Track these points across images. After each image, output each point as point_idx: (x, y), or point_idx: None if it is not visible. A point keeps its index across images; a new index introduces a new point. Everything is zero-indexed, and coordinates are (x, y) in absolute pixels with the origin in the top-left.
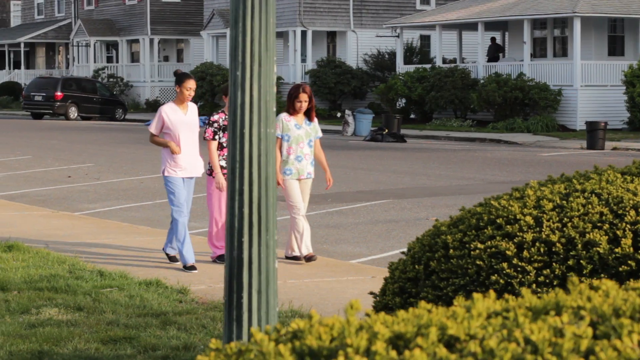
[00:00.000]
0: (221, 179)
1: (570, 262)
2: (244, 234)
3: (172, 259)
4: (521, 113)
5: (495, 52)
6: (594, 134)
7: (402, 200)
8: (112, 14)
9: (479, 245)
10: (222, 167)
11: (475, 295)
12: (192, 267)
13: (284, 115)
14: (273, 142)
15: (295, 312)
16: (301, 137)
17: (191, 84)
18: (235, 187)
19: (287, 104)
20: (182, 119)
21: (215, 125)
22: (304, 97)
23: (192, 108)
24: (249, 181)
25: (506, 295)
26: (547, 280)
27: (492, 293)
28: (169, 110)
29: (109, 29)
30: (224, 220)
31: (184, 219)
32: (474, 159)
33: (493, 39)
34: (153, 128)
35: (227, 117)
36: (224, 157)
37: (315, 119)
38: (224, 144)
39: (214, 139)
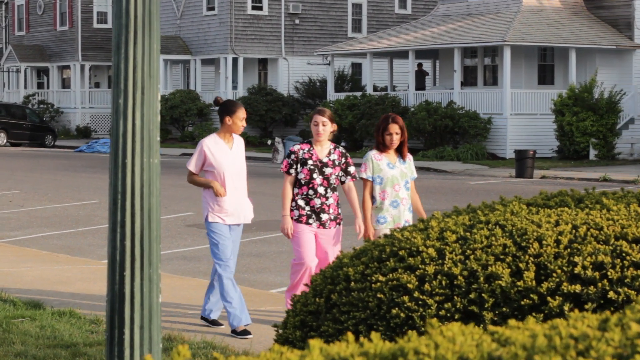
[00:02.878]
0: (287, 223)
1: (472, 296)
2: (125, 268)
3: (213, 323)
4: (451, 141)
5: (420, 80)
6: (523, 162)
7: None
8: (43, 39)
9: (381, 278)
10: (300, 207)
11: (312, 342)
12: (245, 332)
13: (373, 154)
14: (157, 173)
15: (208, 343)
16: (396, 178)
17: (244, 113)
18: (117, 219)
19: (376, 139)
20: (227, 155)
21: (293, 157)
22: (394, 128)
23: (239, 142)
24: (131, 213)
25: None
26: (449, 314)
27: (350, 336)
28: (211, 144)
29: (39, 55)
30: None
31: (229, 274)
32: None
33: (420, 65)
34: (192, 165)
35: (311, 148)
36: (304, 196)
37: (410, 157)
38: (302, 181)
39: (288, 172)
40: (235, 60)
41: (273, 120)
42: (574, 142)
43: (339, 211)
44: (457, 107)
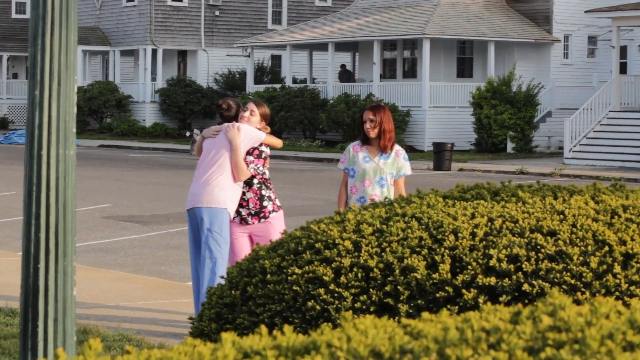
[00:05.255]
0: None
1: (387, 288)
2: (40, 260)
3: None
4: None
5: (347, 80)
6: (441, 155)
7: None
8: None
9: (297, 270)
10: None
11: (224, 335)
12: None
13: (354, 144)
14: (72, 165)
15: (124, 336)
16: (368, 173)
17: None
18: (31, 211)
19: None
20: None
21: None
22: (367, 115)
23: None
24: (46, 205)
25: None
26: (364, 307)
27: (263, 328)
28: None
29: None
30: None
31: (192, 267)
32: (321, 180)
33: (343, 66)
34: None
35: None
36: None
37: (399, 152)
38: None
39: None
40: (154, 52)
41: (192, 112)
42: (492, 135)
43: (264, 204)
44: (376, 99)
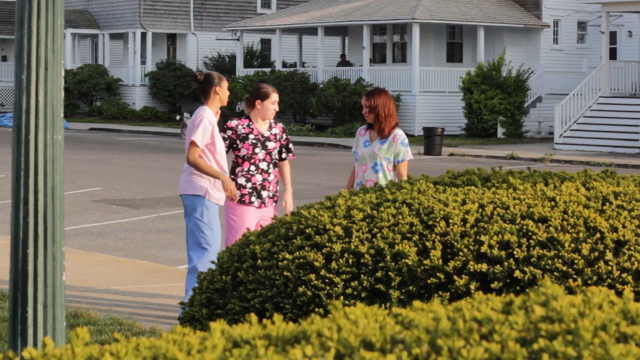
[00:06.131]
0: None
1: (378, 274)
2: (29, 246)
3: None
4: (360, 118)
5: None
6: (431, 139)
7: None
8: None
9: (287, 256)
10: (241, 185)
11: (213, 324)
12: None
13: (360, 128)
14: (60, 150)
15: (115, 320)
16: (364, 158)
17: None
18: (20, 196)
19: None
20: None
21: (229, 132)
22: (363, 100)
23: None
24: (34, 190)
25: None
26: (355, 292)
27: (253, 317)
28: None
29: None
30: None
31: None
32: (311, 164)
33: (343, 56)
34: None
35: (251, 123)
36: (244, 172)
37: (397, 137)
38: (244, 157)
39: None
40: (143, 35)
41: (182, 96)
42: (482, 120)
43: (277, 188)
44: (366, 84)
